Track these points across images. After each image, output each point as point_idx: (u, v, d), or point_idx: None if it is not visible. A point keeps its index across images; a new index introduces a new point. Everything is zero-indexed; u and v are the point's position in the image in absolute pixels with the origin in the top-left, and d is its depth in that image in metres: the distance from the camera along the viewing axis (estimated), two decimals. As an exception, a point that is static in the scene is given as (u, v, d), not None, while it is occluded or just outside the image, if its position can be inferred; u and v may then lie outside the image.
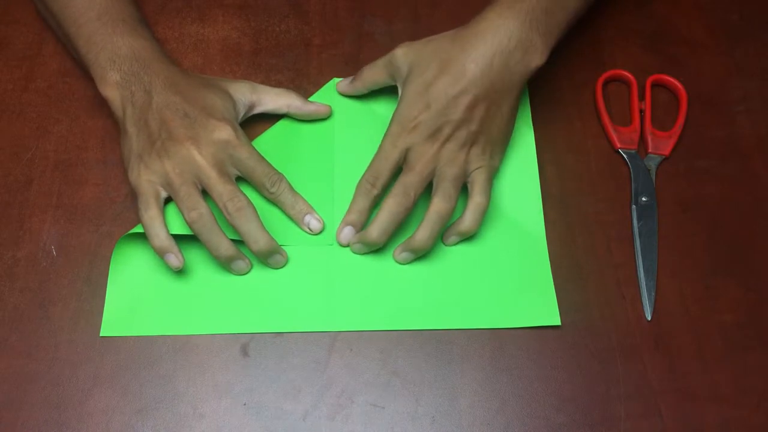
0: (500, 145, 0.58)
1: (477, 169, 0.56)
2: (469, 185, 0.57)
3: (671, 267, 0.57)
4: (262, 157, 0.56)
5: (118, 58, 0.57)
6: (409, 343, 0.54)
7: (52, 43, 0.66)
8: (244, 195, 0.54)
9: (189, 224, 0.53)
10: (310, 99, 0.63)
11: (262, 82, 0.64)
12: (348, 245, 0.57)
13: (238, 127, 0.56)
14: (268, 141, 0.61)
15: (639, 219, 0.59)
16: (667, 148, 0.62)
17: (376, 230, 0.54)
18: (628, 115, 0.64)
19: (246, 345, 0.54)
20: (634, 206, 0.59)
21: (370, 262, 0.57)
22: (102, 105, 0.62)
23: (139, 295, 0.55)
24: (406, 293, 0.55)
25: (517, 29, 0.55)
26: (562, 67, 0.66)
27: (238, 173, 0.56)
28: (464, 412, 0.52)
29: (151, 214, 0.53)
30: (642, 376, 0.53)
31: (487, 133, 0.56)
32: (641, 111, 0.64)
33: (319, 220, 0.57)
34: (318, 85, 0.64)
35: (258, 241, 0.53)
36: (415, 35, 0.64)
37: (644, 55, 0.67)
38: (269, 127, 0.62)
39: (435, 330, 0.54)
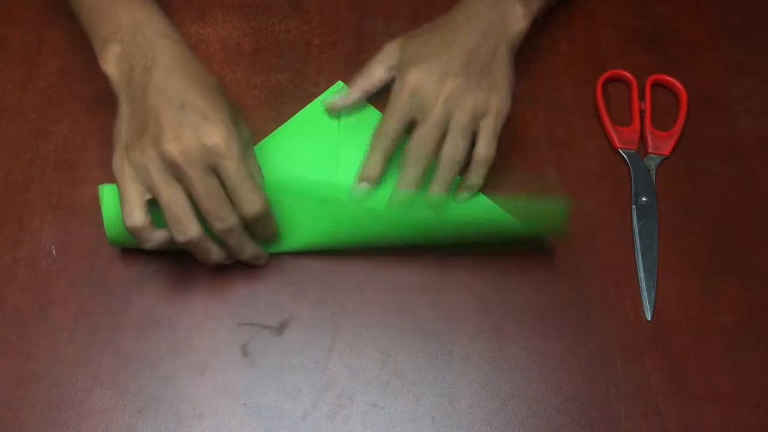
0: (505, 88, 0.58)
1: (485, 116, 0.57)
2: (477, 135, 0.57)
3: (671, 267, 0.57)
4: (250, 176, 0.51)
5: (119, 29, 0.53)
6: (409, 343, 0.54)
7: (52, 43, 0.66)
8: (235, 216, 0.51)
9: (163, 207, 0.50)
10: (316, 101, 0.63)
11: (262, 82, 0.64)
12: (361, 200, 0.58)
13: (233, 133, 0.51)
14: (272, 144, 0.61)
15: (639, 219, 0.59)
16: (667, 148, 0.62)
17: (404, 182, 0.56)
18: (628, 115, 0.64)
19: (246, 345, 0.54)
20: (634, 206, 0.59)
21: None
22: (102, 105, 0.62)
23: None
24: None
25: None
26: (562, 67, 0.66)
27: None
28: (464, 412, 0.52)
29: (136, 223, 0.50)
30: (642, 376, 0.53)
31: (489, 76, 0.57)
32: (641, 111, 0.64)
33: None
34: (318, 85, 0.64)
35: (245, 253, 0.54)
36: (415, 35, 0.63)
37: (644, 55, 0.67)
38: (275, 128, 0.62)
39: (432, 328, 0.54)
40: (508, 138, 0.59)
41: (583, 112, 0.64)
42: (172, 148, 0.49)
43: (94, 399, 0.51)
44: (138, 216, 0.50)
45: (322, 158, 0.60)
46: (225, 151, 0.49)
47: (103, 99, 0.63)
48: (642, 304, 0.56)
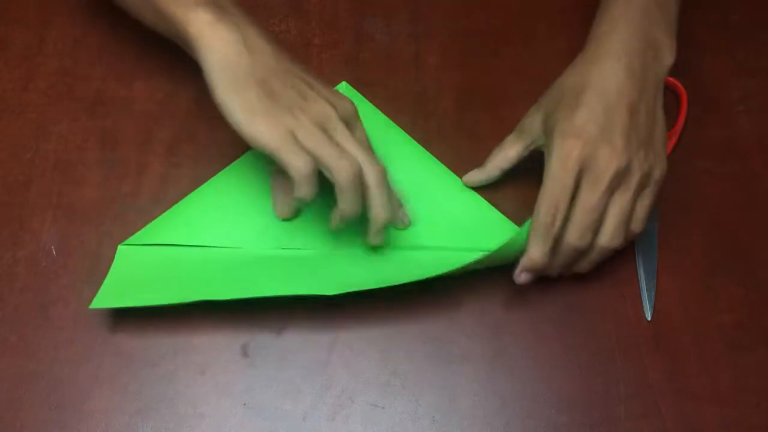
0: (663, 149, 0.54)
1: (645, 190, 0.53)
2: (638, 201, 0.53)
3: (671, 267, 0.57)
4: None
5: (204, 3, 0.51)
6: (409, 343, 0.54)
7: (52, 43, 0.66)
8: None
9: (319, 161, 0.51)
10: None
11: (263, 82, 0.64)
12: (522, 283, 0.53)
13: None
14: None
15: (639, 219, 0.59)
16: (667, 148, 0.62)
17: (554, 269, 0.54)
18: (628, 115, 0.64)
19: (246, 345, 0.54)
20: (634, 206, 0.60)
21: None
22: (102, 105, 0.62)
23: (138, 271, 0.54)
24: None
25: (639, 32, 0.54)
26: (563, 68, 0.66)
27: None
28: (464, 412, 0.52)
29: (302, 163, 0.50)
30: (642, 376, 0.53)
31: (650, 140, 0.53)
32: (641, 111, 0.64)
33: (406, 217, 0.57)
34: (318, 85, 0.64)
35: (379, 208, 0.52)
36: (415, 35, 0.64)
37: (644, 55, 0.67)
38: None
39: (432, 328, 0.54)
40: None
41: (583, 112, 0.64)
42: (321, 108, 0.52)
43: (94, 399, 0.51)
44: (310, 188, 0.50)
45: None
46: (356, 115, 0.54)
47: (103, 99, 0.63)
48: (642, 304, 0.56)
